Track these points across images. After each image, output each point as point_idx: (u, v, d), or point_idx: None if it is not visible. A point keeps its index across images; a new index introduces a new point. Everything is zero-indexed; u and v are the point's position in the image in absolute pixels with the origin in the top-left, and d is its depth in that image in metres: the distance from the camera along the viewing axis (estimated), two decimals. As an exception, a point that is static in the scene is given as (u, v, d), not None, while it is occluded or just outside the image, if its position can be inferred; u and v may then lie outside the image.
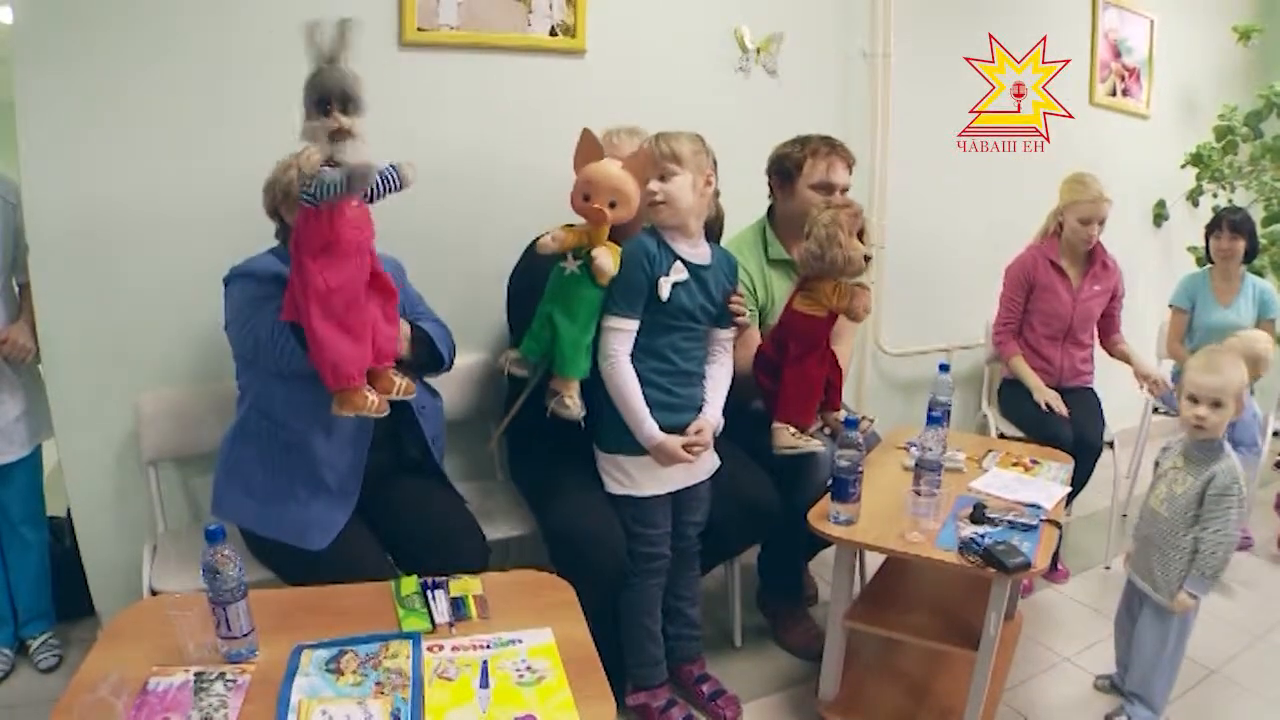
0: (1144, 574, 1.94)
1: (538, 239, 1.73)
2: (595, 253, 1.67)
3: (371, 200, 1.50)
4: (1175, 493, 1.86)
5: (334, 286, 1.45)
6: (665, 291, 1.75)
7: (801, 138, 2.19)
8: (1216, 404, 1.80)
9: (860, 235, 1.89)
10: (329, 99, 1.37)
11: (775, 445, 1.96)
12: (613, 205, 1.68)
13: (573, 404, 1.74)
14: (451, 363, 1.94)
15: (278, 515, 1.68)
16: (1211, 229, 3.02)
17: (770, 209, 2.29)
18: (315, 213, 1.43)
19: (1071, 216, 2.67)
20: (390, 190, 1.50)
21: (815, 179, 2.13)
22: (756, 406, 2.10)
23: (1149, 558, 1.92)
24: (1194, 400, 1.82)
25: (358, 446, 1.75)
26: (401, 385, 1.63)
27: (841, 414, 2.03)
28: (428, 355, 1.84)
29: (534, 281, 1.79)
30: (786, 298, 2.13)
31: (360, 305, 1.50)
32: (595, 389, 1.79)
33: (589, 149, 1.69)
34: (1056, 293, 2.74)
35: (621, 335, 1.76)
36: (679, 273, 1.77)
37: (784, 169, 2.18)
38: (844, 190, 2.13)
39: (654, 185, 1.73)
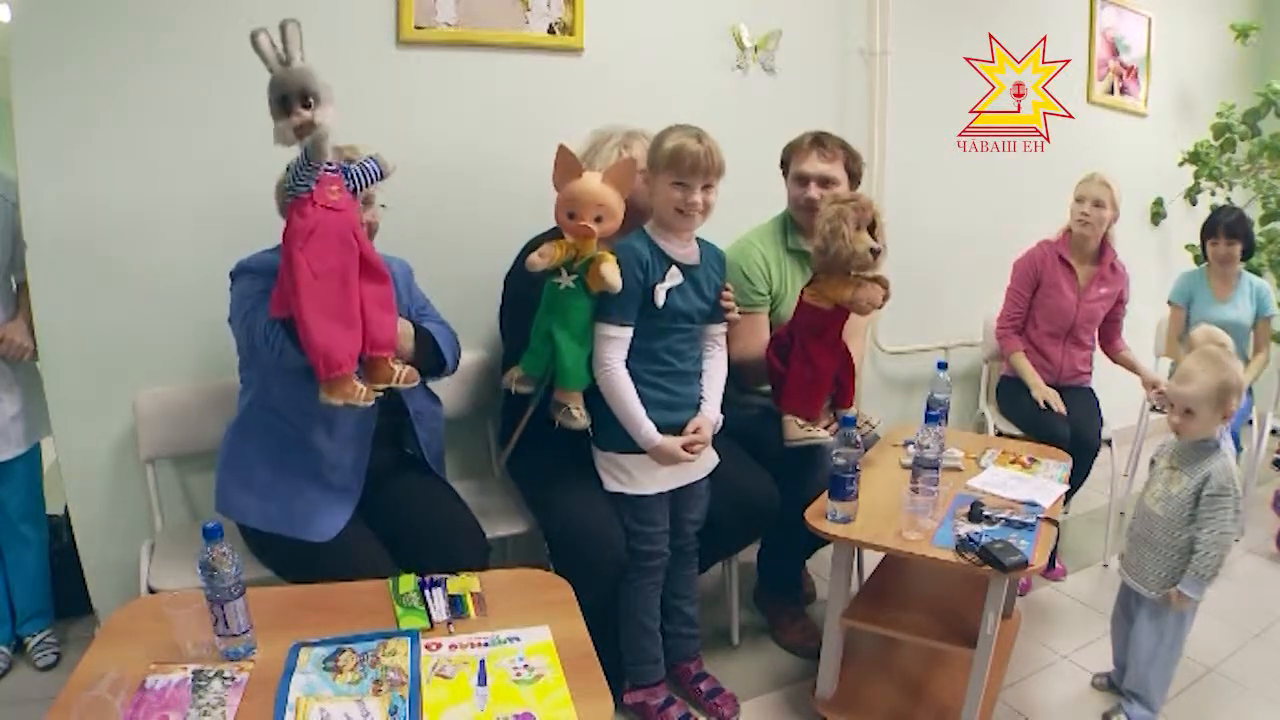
0: (1136, 573, 1.94)
1: (532, 241, 1.73)
2: (604, 270, 1.65)
3: (355, 191, 1.54)
4: (1171, 492, 1.87)
5: (321, 272, 1.46)
6: (661, 298, 1.75)
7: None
8: (1188, 412, 1.82)
9: (872, 229, 1.86)
10: (289, 98, 1.40)
11: (785, 438, 1.97)
12: (598, 220, 1.67)
13: (579, 414, 1.74)
14: (455, 366, 1.92)
15: (280, 510, 1.67)
16: (1207, 234, 2.98)
17: None
18: (298, 202, 1.46)
19: (1072, 199, 2.71)
20: (372, 180, 1.56)
21: (794, 171, 2.20)
22: (756, 404, 2.10)
23: (1142, 556, 1.92)
24: (1172, 406, 1.85)
25: (360, 443, 1.75)
26: (401, 373, 1.62)
27: (853, 410, 2.03)
28: (430, 356, 1.82)
29: (527, 286, 1.78)
30: (799, 287, 2.13)
31: (350, 290, 1.50)
32: (593, 389, 1.78)
33: (567, 165, 1.68)
34: (1062, 291, 2.74)
35: (617, 343, 1.75)
36: (674, 278, 1.77)
37: (783, 162, 2.25)
38: (823, 181, 2.14)
39: (698, 198, 1.73)
